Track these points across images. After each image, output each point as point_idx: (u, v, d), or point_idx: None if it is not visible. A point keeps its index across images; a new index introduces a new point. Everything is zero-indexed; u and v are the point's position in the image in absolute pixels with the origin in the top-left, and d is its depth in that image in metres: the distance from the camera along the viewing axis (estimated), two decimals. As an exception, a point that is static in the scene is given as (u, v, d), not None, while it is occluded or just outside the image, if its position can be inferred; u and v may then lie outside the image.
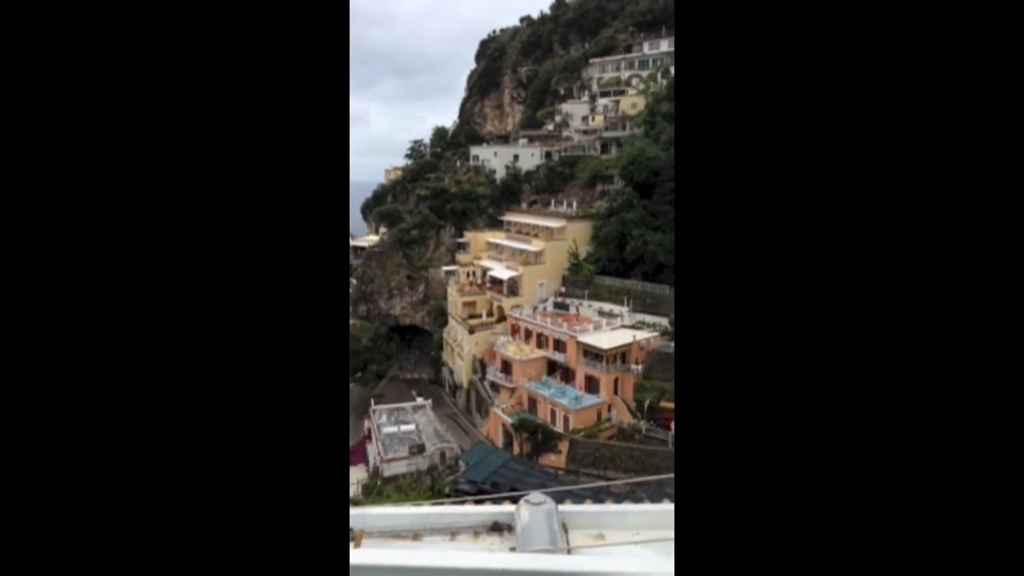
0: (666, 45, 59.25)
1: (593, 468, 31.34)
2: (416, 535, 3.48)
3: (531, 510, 3.29)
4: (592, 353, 36.59)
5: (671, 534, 3.13)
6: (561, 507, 3.46)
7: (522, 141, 64.02)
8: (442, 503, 4.20)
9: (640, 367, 36.32)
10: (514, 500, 3.54)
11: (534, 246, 47.45)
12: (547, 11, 78.25)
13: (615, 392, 36.12)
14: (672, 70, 53.87)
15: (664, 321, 39.16)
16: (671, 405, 33.57)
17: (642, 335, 37.64)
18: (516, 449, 33.97)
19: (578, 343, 37.34)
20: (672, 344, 36.73)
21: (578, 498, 3.92)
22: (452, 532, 3.52)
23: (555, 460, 32.68)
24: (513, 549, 3.24)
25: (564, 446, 33.15)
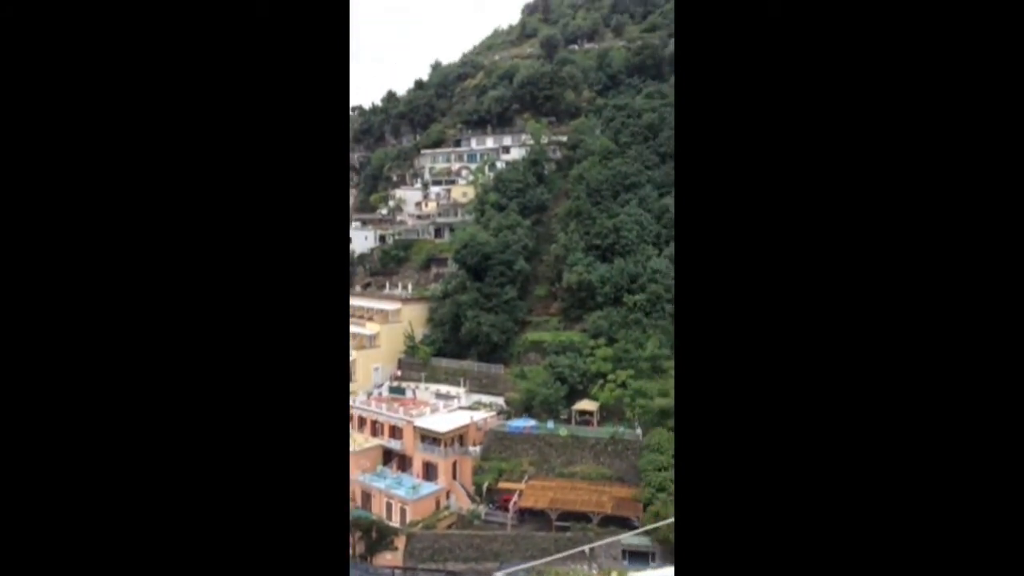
0: (491, 142, 64.19)
1: (432, 562, 29.70)
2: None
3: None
4: (430, 438, 35.62)
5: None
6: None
7: (355, 224, 63.46)
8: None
9: (478, 448, 36.05)
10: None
11: (368, 329, 46.07)
12: (379, 103, 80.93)
13: (454, 476, 35.22)
14: (497, 164, 58.14)
15: (500, 400, 39.72)
16: (509, 485, 33.55)
17: (479, 416, 37.67)
18: (349, 552, 31.10)
19: (415, 428, 36.19)
20: (508, 423, 37.27)
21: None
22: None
23: (392, 559, 30.43)
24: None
25: (401, 542, 31.11)
